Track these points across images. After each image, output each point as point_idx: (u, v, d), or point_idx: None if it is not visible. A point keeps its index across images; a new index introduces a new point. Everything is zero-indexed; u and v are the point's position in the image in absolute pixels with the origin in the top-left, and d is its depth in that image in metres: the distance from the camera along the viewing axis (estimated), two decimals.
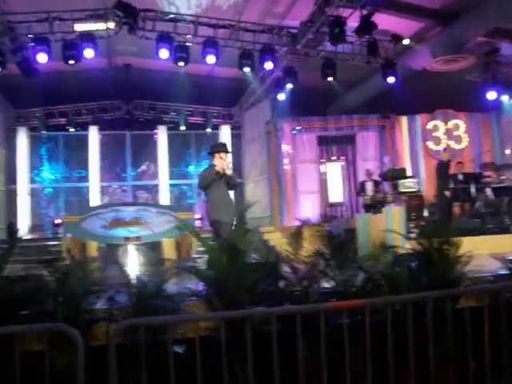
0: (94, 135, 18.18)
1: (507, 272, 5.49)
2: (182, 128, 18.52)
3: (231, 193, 7.99)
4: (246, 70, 13.15)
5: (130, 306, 4.24)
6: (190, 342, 3.88)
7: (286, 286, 4.48)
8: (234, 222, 7.02)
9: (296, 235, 4.54)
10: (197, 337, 3.75)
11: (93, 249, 12.35)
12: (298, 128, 16.49)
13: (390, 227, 9.88)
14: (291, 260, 4.60)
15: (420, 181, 15.88)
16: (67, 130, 17.98)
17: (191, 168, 19.29)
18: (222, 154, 7.64)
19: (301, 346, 3.62)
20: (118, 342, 3.44)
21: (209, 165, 8.09)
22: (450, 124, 16.98)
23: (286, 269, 4.56)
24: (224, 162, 7.59)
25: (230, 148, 8.65)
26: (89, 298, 4.31)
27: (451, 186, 11.59)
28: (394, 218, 10.13)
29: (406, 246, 5.49)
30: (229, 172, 7.59)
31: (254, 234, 4.52)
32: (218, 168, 7.57)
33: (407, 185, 12.00)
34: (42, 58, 11.81)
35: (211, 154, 7.77)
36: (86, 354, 3.19)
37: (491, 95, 15.11)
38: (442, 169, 12.07)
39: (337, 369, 3.82)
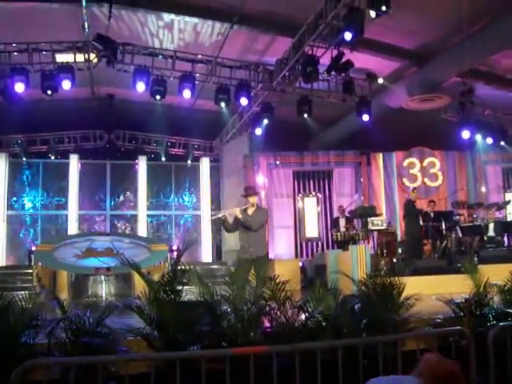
0: (74, 163, 18.20)
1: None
2: (163, 159, 18.66)
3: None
4: (222, 104, 13.28)
5: (67, 341, 4.27)
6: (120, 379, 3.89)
7: (228, 326, 4.53)
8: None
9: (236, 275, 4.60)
10: (126, 375, 3.77)
11: (64, 278, 12.27)
12: (277, 162, 16.71)
13: (356, 264, 10.02)
14: (233, 299, 4.65)
15: (396, 218, 16.01)
16: (48, 158, 18.03)
17: (171, 199, 19.33)
18: (249, 198, 8.04)
19: None
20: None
21: None
22: (426, 162, 17.12)
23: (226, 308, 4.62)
24: (231, 210, 8.08)
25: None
26: (29, 332, 4.34)
27: (419, 223, 11.68)
28: (358, 255, 10.23)
29: (353, 288, 5.57)
30: (239, 216, 7.85)
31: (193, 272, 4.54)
32: (222, 215, 8.13)
33: (376, 222, 12.17)
34: (19, 87, 11.87)
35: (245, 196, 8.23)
36: None
37: (465, 134, 15.37)
38: (407, 207, 12.21)
39: None
